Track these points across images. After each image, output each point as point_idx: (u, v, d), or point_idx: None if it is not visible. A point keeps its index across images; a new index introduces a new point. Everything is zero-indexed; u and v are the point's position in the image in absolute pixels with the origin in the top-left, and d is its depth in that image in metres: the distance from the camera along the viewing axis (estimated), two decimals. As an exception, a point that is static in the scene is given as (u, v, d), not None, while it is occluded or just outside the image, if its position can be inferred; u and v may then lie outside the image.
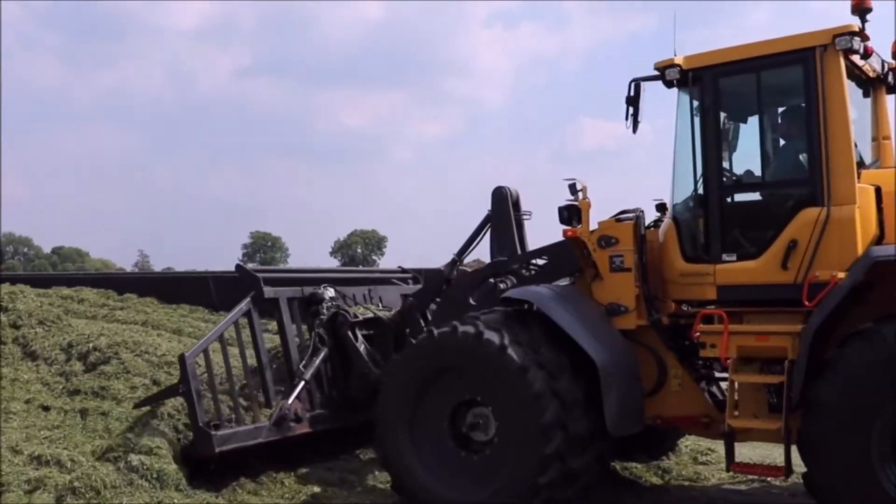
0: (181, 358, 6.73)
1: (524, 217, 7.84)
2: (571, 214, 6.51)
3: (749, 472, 6.16)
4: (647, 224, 6.65)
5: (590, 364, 5.96)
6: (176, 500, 6.14)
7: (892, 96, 6.82)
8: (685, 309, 6.42)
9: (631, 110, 6.26)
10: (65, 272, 49.48)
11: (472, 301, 7.22)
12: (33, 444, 6.75)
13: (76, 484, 6.09)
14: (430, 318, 7.76)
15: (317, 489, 6.83)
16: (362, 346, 7.72)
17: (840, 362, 5.16)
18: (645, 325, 6.40)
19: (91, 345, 8.37)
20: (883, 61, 6.39)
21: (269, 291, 7.50)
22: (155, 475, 6.33)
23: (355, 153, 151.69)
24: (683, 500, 7.00)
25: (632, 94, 6.23)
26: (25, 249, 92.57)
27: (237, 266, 7.76)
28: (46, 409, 7.49)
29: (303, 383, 7.25)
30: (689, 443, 8.15)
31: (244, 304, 7.25)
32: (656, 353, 6.43)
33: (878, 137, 6.70)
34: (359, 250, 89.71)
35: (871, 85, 6.61)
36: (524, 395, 5.77)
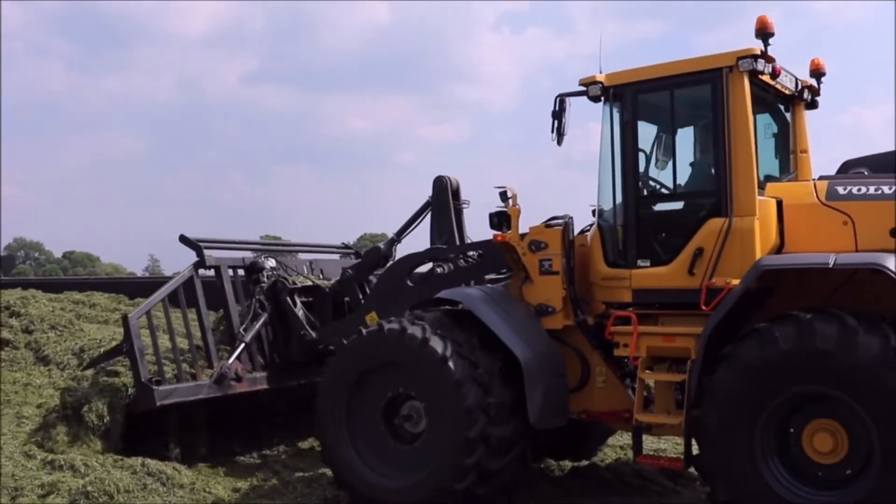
0: (124, 318, 7.21)
1: (463, 206, 8.33)
2: (501, 220, 6.92)
3: (653, 463, 6.54)
4: (583, 229, 7.08)
5: (515, 360, 6.38)
6: None
7: (816, 111, 7.26)
8: (609, 311, 6.82)
9: (556, 124, 6.67)
10: (76, 277, 50.03)
11: (409, 282, 7.74)
12: (46, 449, 7.01)
13: (90, 488, 6.21)
14: (367, 290, 8.28)
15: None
16: (301, 311, 8.24)
17: (731, 358, 5.52)
18: (571, 325, 6.79)
19: (102, 349, 8.63)
20: (797, 79, 6.78)
21: (210, 259, 7.97)
22: (168, 479, 6.56)
23: (362, 158, 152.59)
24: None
25: (556, 108, 6.64)
26: (36, 254, 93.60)
27: (180, 236, 8.16)
28: None
29: (243, 345, 7.75)
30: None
31: (187, 271, 7.77)
32: (582, 352, 6.81)
33: (797, 151, 7.10)
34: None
35: (790, 101, 7.02)
36: (446, 382, 6.16)
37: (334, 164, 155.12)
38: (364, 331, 6.75)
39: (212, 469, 7.44)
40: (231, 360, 7.60)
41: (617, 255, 6.56)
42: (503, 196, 6.87)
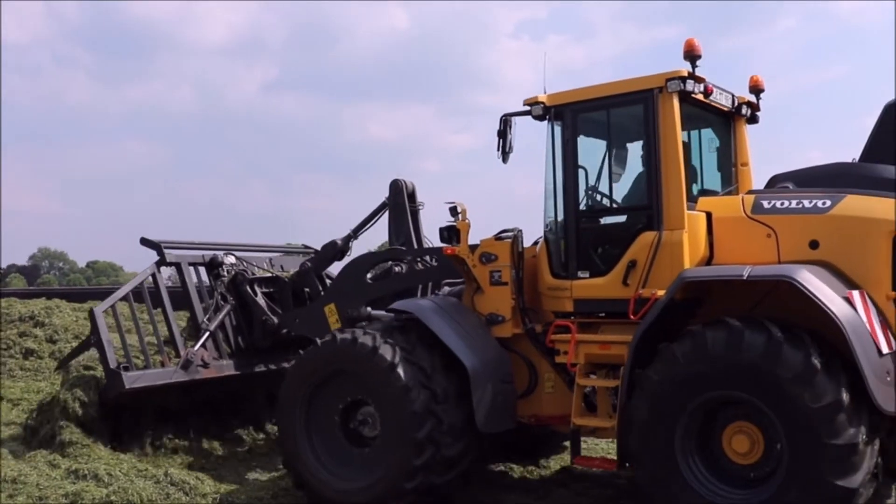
0: (90, 312, 7.64)
1: (419, 207, 8.70)
2: (451, 234, 7.28)
3: (589, 464, 6.83)
4: (536, 241, 7.40)
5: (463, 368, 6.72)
6: None
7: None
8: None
9: (500, 143, 7.01)
10: (99, 286, 50.97)
11: (368, 279, 8.13)
12: (70, 459, 7.22)
13: (113, 498, 6.34)
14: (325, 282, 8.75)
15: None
16: (261, 300, 8.66)
17: (662, 357, 5.80)
18: (520, 334, 7.11)
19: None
20: (733, 97, 7.08)
21: (171, 256, 8.41)
22: (191, 489, 6.72)
23: (385, 166, 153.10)
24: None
25: (501, 128, 6.98)
26: (60, 264, 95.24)
27: (141, 238, 8.61)
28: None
29: (207, 333, 8.16)
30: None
31: (149, 268, 8.19)
32: (530, 359, 7.13)
33: (737, 164, 7.39)
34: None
35: (731, 117, 7.32)
36: (395, 388, 6.50)
37: (356, 172, 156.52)
38: (319, 341, 7.13)
39: (234, 478, 7.63)
40: (196, 348, 8.02)
41: (560, 267, 6.88)
42: (453, 211, 7.22)
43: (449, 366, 6.72)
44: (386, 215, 8.76)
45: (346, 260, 8.76)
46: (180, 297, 8.68)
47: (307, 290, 8.80)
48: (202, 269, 8.91)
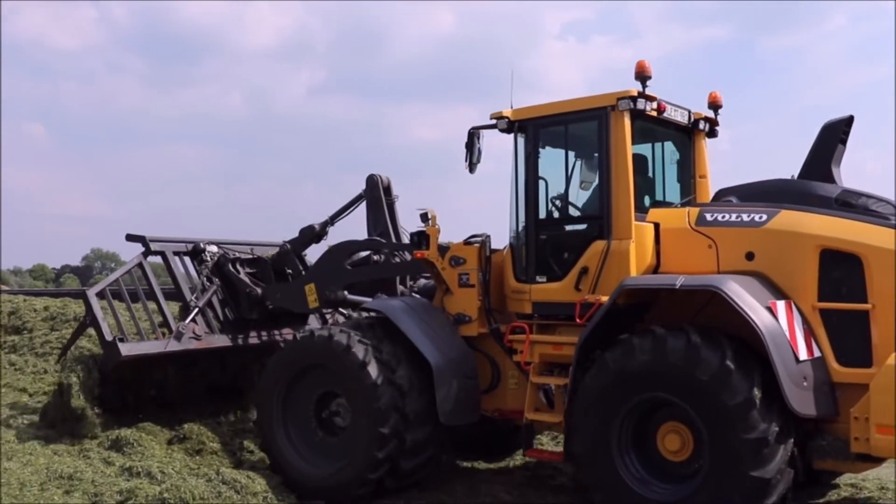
0: (83, 294, 8.28)
1: (394, 200, 9.23)
2: (421, 239, 7.78)
3: (540, 456, 7.29)
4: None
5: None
6: None
7: (715, 139, 7.96)
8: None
9: (468, 154, 7.47)
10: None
11: (347, 265, 8.67)
12: (125, 456, 7.49)
13: (166, 495, 6.44)
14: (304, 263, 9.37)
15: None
16: (244, 276, 9.25)
17: (598, 363, 6.27)
18: (486, 333, 7.59)
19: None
20: (689, 113, 7.48)
21: (155, 245, 8.99)
22: (242, 487, 6.86)
23: (433, 167, 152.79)
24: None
25: (468, 140, 7.43)
26: (112, 265, 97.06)
27: (126, 235, 9.14)
28: None
29: (196, 309, 8.70)
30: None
31: (135, 258, 8.79)
32: (494, 357, 7.60)
33: (696, 176, 7.80)
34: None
35: (690, 132, 7.71)
36: (365, 384, 7.03)
37: (404, 172, 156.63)
38: (297, 335, 7.69)
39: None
40: (187, 322, 8.57)
41: (521, 271, 7.35)
42: (423, 217, 7.72)
43: (415, 361, 7.23)
44: (364, 207, 9.30)
45: (323, 245, 9.30)
46: (171, 293, 9.25)
47: (289, 270, 9.35)
48: (187, 260, 9.47)
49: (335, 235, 9.36)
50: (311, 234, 9.36)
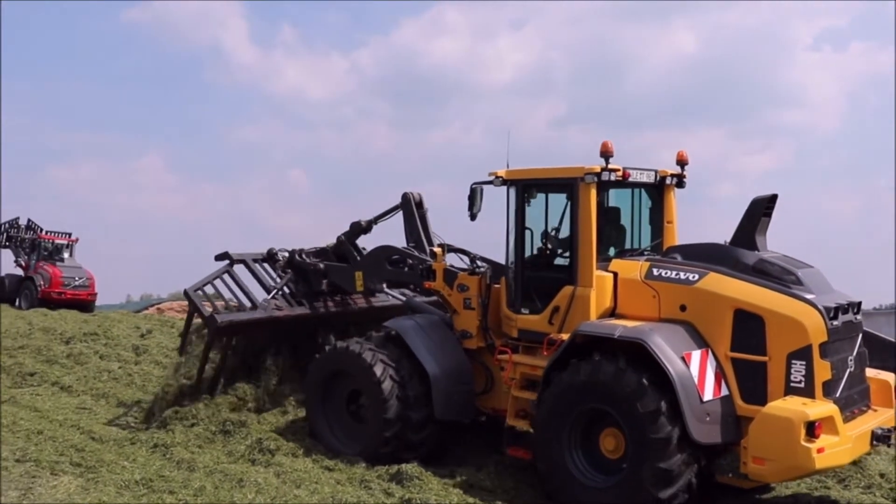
0: (185, 292, 10.62)
1: (425, 211, 11.11)
2: (429, 273, 9.63)
3: (516, 454, 8.87)
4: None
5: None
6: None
7: (683, 190, 9.37)
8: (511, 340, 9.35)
9: (470, 205, 9.11)
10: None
11: (388, 266, 10.66)
12: (404, 488, 8.11)
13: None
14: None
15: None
16: (310, 260, 11.36)
17: (554, 380, 7.98)
18: (484, 346, 9.40)
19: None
20: (655, 173, 8.92)
21: (237, 255, 11.13)
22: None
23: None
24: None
25: (470, 194, 9.07)
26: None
27: (215, 255, 11.19)
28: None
29: (276, 289, 10.99)
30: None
31: (223, 266, 10.94)
32: (489, 367, 9.41)
33: (664, 221, 9.27)
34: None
35: (660, 186, 9.16)
36: (373, 381, 9.06)
37: None
38: (327, 348, 9.78)
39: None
40: (270, 297, 10.85)
41: (510, 302, 9.08)
42: (431, 254, 9.54)
43: (419, 368, 9.17)
44: (402, 217, 11.18)
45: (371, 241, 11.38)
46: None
47: (345, 256, 11.40)
48: (266, 265, 11.57)
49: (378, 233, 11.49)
50: (360, 228, 11.38)
